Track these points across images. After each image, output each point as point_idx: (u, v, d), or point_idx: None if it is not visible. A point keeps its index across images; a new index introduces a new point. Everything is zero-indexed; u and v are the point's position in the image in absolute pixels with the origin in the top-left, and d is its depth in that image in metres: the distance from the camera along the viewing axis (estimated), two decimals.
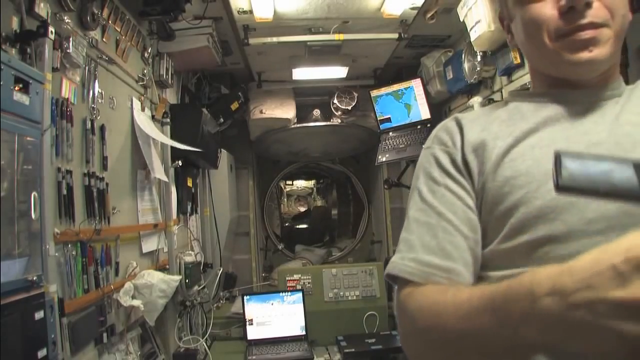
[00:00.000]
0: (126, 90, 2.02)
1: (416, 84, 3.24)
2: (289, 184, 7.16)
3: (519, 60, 2.16)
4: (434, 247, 0.70)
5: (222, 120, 3.12)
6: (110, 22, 1.84)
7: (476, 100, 2.59)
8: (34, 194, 1.20)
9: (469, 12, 2.22)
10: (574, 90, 0.75)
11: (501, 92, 2.44)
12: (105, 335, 1.63)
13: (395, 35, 2.79)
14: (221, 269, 2.97)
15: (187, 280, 2.31)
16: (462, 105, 2.98)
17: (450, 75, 2.86)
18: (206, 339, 2.56)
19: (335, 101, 3.62)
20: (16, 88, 1.12)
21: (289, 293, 2.69)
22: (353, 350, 2.42)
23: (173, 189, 2.42)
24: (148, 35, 2.29)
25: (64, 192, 1.43)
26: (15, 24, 1.23)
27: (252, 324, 2.63)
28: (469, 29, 2.26)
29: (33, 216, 1.19)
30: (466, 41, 2.48)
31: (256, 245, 3.95)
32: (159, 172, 2.18)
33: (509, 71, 2.29)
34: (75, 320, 1.42)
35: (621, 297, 0.40)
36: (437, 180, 0.75)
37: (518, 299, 0.48)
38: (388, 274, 0.72)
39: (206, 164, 2.91)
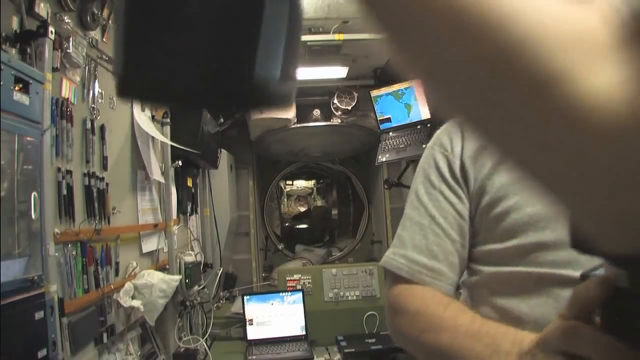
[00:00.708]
0: None
1: (416, 84, 3.24)
2: (289, 184, 7.15)
3: None
4: (423, 247, 0.76)
5: (222, 120, 3.11)
6: (110, 22, 1.84)
7: None
8: (34, 194, 1.20)
9: None
10: None
11: None
12: (105, 335, 1.63)
13: None
14: (221, 269, 2.97)
15: (187, 280, 2.31)
16: None
17: None
18: (206, 339, 2.56)
19: (335, 101, 3.62)
20: (16, 88, 1.12)
21: (289, 293, 2.69)
22: (353, 350, 2.41)
23: (173, 189, 2.42)
24: None
25: (64, 192, 1.43)
26: (15, 24, 1.23)
27: (252, 324, 2.63)
28: None
29: (33, 216, 1.19)
30: None
31: (256, 245, 3.95)
32: (156, 173, 2.18)
33: None
34: (75, 320, 1.42)
35: None
36: (434, 183, 0.79)
37: (501, 350, 0.55)
38: (381, 265, 0.80)
39: (206, 164, 2.91)
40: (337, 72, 3.46)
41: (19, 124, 1.14)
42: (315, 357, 2.42)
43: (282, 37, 0.30)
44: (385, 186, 3.50)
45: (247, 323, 2.62)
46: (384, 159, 3.32)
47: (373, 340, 2.51)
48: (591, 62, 0.24)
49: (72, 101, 1.51)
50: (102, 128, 1.72)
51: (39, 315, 1.16)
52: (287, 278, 2.79)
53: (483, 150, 0.74)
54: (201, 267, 2.69)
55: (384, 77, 3.60)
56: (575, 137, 0.25)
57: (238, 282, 3.32)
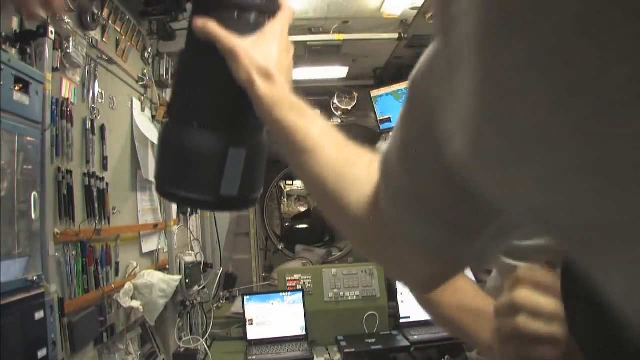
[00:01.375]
0: (126, 90, 2.02)
1: None
2: (289, 184, 7.14)
3: None
4: None
5: None
6: (110, 22, 1.84)
7: None
8: (34, 194, 1.20)
9: None
10: None
11: None
12: (105, 335, 1.63)
13: (395, 35, 2.79)
14: (221, 269, 2.97)
15: (187, 280, 2.31)
16: None
17: None
18: (206, 339, 2.56)
19: (335, 101, 3.62)
20: (16, 88, 1.12)
21: (289, 293, 2.69)
22: (353, 350, 2.41)
23: None
24: (148, 36, 2.29)
25: (64, 192, 1.43)
26: (15, 24, 1.24)
27: (252, 324, 2.62)
28: None
29: (33, 216, 1.19)
30: None
31: (256, 245, 3.94)
32: (152, 175, 2.19)
33: None
34: (75, 320, 1.42)
35: None
36: None
37: None
38: None
39: None
40: (337, 72, 3.46)
41: (19, 124, 1.14)
42: (315, 357, 2.42)
43: (239, 172, 0.58)
44: None
45: (247, 323, 2.62)
46: None
47: (373, 340, 2.51)
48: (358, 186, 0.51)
49: (72, 101, 1.51)
50: (102, 128, 1.72)
51: (39, 315, 1.16)
52: (287, 278, 2.79)
53: None
54: (201, 267, 2.69)
55: (384, 77, 3.60)
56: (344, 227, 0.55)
57: (238, 282, 3.31)
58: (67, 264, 1.43)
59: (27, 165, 1.18)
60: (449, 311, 0.81)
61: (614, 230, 0.23)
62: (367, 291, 2.77)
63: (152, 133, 2.14)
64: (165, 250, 2.32)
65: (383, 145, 0.48)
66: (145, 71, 2.21)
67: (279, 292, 2.71)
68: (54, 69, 1.37)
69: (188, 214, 2.77)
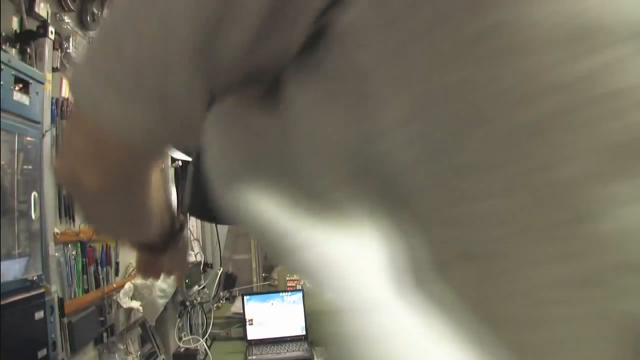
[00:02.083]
0: None
1: None
2: None
3: None
4: None
5: None
6: None
7: None
8: (34, 194, 1.20)
9: None
10: None
11: None
12: (105, 335, 1.63)
13: None
14: (221, 269, 2.97)
15: (187, 280, 2.31)
16: None
17: None
18: (206, 339, 2.56)
19: None
20: (16, 88, 1.12)
21: (289, 293, 2.69)
22: None
23: (173, 189, 2.42)
24: None
25: (64, 192, 1.43)
26: (15, 24, 1.24)
27: (252, 324, 2.63)
28: None
29: (33, 216, 1.19)
30: None
31: (256, 245, 3.94)
32: None
33: None
34: (75, 320, 1.42)
35: None
36: None
37: None
38: None
39: None
40: None
41: (19, 124, 1.14)
42: (315, 357, 2.42)
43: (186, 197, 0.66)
44: None
45: (247, 323, 2.62)
46: None
47: None
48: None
49: (72, 101, 1.51)
50: None
51: (39, 315, 1.16)
52: (287, 278, 2.80)
53: None
54: (201, 267, 2.69)
55: None
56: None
57: (238, 282, 3.31)
58: (67, 264, 1.43)
59: (27, 165, 1.18)
60: None
61: None
62: None
63: None
64: None
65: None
66: None
67: (279, 292, 2.72)
68: (54, 69, 1.37)
69: (188, 214, 2.76)
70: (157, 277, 0.82)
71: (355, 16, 0.29)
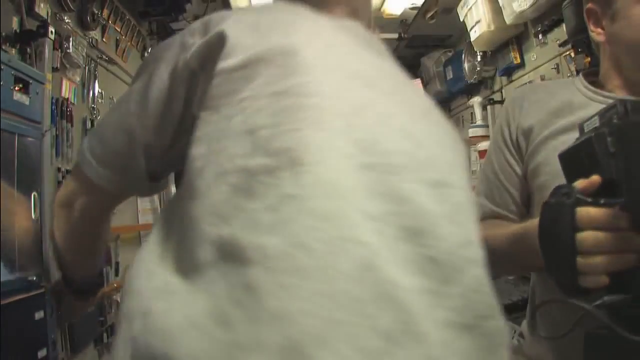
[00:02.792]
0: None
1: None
2: None
3: (519, 60, 2.16)
4: (489, 195, 0.94)
5: None
6: (110, 22, 1.84)
7: (476, 100, 2.59)
8: (34, 194, 1.20)
9: (469, 12, 2.22)
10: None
11: (501, 92, 2.44)
12: (105, 335, 1.63)
13: (395, 35, 2.79)
14: None
15: None
16: (462, 105, 2.99)
17: (450, 75, 2.85)
18: None
19: None
20: (16, 88, 1.12)
21: None
22: None
23: (173, 189, 2.41)
24: (148, 36, 2.29)
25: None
26: (15, 24, 1.24)
27: None
28: (469, 29, 2.27)
29: (33, 216, 1.19)
30: (466, 41, 2.48)
31: None
32: None
33: (509, 71, 2.29)
34: (75, 321, 1.42)
35: None
36: (499, 145, 0.94)
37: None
38: None
39: None
40: None
41: (19, 124, 1.14)
42: None
43: None
44: None
45: None
46: None
47: None
48: None
49: (72, 101, 1.51)
50: None
51: (39, 315, 1.16)
52: None
53: (531, 130, 0.87)
54: None
55: None
56: None
57: None
58: None
59: (27, 165, 1.18)
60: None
61: None
62: None
63: None
64: None
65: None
66: None
67: None
68: (54, 69, 1.37)
69: None
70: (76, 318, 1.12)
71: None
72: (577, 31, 1.59)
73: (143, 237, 2.09)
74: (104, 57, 1.78)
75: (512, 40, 2.17)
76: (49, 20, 1.33)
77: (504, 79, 2.39)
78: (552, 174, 0.78)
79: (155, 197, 2.27)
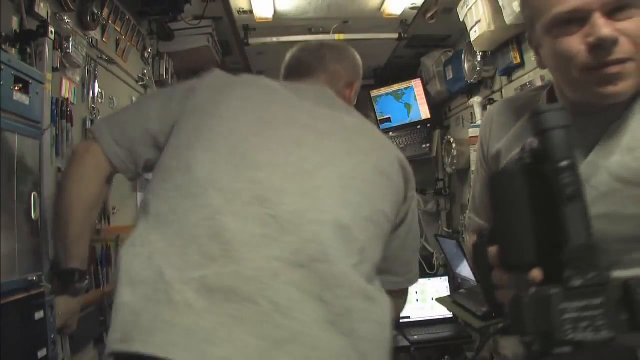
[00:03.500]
0: (126, 90, 2.02)
1: (416, 84, 3.24)
2: None
3: (519, 61, 2.16)
4: (475, 209, 1.03)
5: None
6: (110, 22, 1.84)
7: (476, 100, 2.59)
8: (34, 194, 1.20)
9: (469, 12, 2.22)
10: (584, 118, 0.79)
11: (501, 92, 2.44)
12: (105, 335, 1.63)
13: (395, 35, 2.79)
14: None
15: None
16: (462, 105, 2.99)
17: (450, 75, 2.85)
18: None
19: None
20: (16, 88, 1.12)
21: None
22: None
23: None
24: (148, 36, 2.29)
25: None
26: (15, 24, 1.23)
27: None
28: (469, 29, 2.27)
29: (33, 216, 1.19)
30: (466, 41, 2.48)
31: None
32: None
33: (509, 71, 2.29)
34: (68, 329, 1.42)
35: None
36: (479, 163, 1.01)
37: None
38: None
39: None
40: None
41: (19, 124, 1.14)
42: None
43: None
44: None
45: None
46: None
47: None
48: None
49: (72, 101, 1.51)
50: None
51: (39, 315, 1.16)
52: None
53: (499, 155, 0.92)
54: None
55: (384, 77, 3.60)
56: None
57: None
58: None
59: (27, 165, 1.18)
60: None
61: None
62: None
63: None
64: None
65: None
66: (145, 71, 2.21)
67: None
68: (54, 69, 1.37)
69: None
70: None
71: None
72: None
73: None
74: (104, 57, 1.78)
75: (512, 40, 2.17)
76: (49, 20, 1.33)
77: (504, 79, 2.39)
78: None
79: None
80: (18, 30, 1.24)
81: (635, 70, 0.74)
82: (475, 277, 2.46)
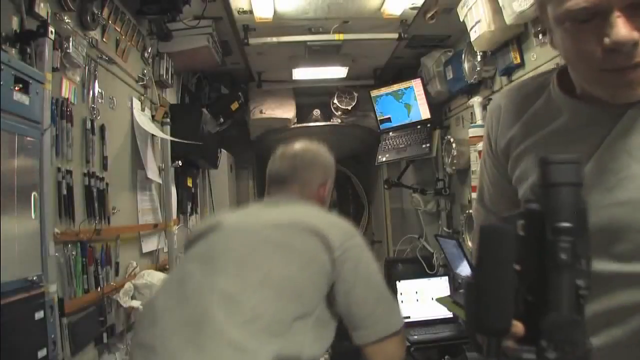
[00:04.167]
0: (126, 90, 2.02)
1: (416, 84, 3.24)
2: None
3: (519, 60, 2.16)
4: (483, 201, 0.99)
5: (222, 120, 3.11)
6: (110, 22, 1.84)
7: (476, 100, 2.59)
8: (34, 194, 1.20)
9: (469, 12, 2.22)
10: (597, 110, 0.73)
11: None
12: (105, 335, 1.63)
13: (395, 35, 2.79)
14: None
15: None
16: (462, 105, 2.98)
17: (450, 75, 2.85)
18: None
19: (335, 101, 3.62)
20: (16, 88, 1.12)
21: None
22: (354, 349, 2.41)
23: (173, 189, 2.42)
24: (148, 35, 2.29)
25: (64, 192, 1.43)
26: (15, 24, 1.23)
27: None
28: (469, 29, 2.26)
29: (33, 216, 1.19)
30: (466, 41, 2.48)
31: None
32: (153, 173, 2.19)
33: (509, 71, 2.29)
34: (75, 320, 1.42)
35: None
36: (486, 154, 0.96)
37: None
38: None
39: (206, 164, 2.91)
40: (337, 72, 3.46)
41: (19, 124, 1.14)
42: None
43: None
44: (385, 186, 3.49)
45: None
46: (384, 159, 3.32)
47: None
48: None
49: (72, 101, 1.51)
50: (102, 128, 1.72)
51: (39, 315, 1.16)
52: None
53: (509, 145, 0.87)
54: None
55: (384, 77, 3.59)
56: None
57: None
58: (67, 264, 1.43)
59: (27, 165, 1.18)
60: None
61: None
62: None
63: (153, 130, 2.14)
64: (165, 250, 2.32)
65: None
66: (145, 71, 2.21)
67: None
68: (54, 69, 1.37)
69: (188, 214, 2.76)
70: None
71: None
72: None
73: (143, 237, 2.09)
74: (104, 57, 1.78)
75: (512, 40, 2.17)
76: (49, 20, 1.33)
77: (504, 79, 2.39)
78: (529, 189, 0.79)
79: (156, 197, 2.27)
80: (18, 30, 1.24)
81: None
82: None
